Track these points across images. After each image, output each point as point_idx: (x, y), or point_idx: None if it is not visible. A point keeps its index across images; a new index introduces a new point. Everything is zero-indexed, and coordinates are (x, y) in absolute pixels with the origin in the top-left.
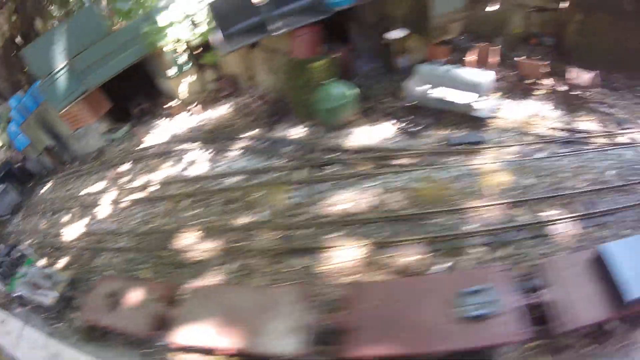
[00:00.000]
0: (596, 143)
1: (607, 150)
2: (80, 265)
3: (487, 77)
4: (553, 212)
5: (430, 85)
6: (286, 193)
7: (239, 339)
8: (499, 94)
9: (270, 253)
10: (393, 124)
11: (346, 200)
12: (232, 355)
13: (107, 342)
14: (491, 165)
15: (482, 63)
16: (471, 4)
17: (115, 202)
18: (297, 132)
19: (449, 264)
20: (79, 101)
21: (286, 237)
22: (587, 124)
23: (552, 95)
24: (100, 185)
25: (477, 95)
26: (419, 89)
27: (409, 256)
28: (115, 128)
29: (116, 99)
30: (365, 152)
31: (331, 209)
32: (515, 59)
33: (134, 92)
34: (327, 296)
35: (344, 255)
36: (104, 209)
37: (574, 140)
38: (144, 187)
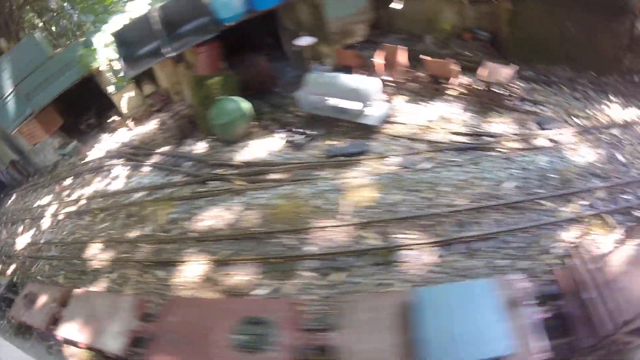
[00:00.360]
0: (503, 149)
1: (514, 157)
2: (22, 271)
3: (370, 83)
4: (410, 235)
5: (320, 94)
6: (171, 208)
7: (90, 335)
8: (404, 97)
9: (143, 264)
10: (282, 137)
11: (213, 217)
12: (88, 349)
13: (28, 336)
14: (361, 179)
15: (389, 65)
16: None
17: (55, 214)
18: (200, 147)
19: (273, 288)
20: (31, 120)
21: (158, 251)
22: (499, 126)
23: (468, 96)
24: (47, 199)
25: (362, 103)
26: (309, 98)
27: (242, 275)
28: (66, 143)
29: (69, 115)
30: (246, 167)
31: (198, 225)
32: (421, 57)
33: (86, 108)
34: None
35: (191, 270)
36: (46, 221)
37: (475, 146)
38: (76, 201)
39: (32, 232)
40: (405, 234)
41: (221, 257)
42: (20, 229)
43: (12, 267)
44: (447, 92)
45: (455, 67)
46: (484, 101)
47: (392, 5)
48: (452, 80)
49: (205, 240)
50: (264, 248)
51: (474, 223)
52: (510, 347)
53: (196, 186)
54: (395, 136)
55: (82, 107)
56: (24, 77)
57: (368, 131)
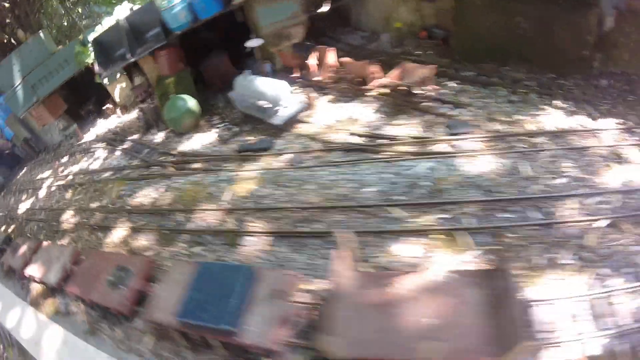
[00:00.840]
0: (392, 152)
1: (396, 161)
2: (18, 230)
3: (278, 87)
4: (257, 224)
5: (245, 95)
6: (123, 186)
7: (42, 273)
8: (328, 97)
9: (92, 228)
10: (217, 131)
11: (144, 195)
12: (40, 283)
13: (12, 276)
14: (251, 173)
15: (320, 66)
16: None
17: (49, 186)
18: (158, 137)
19: (157, 252)
20: (38, 105)
21: (104, 218)
22: (402, 128)
23: (387, 97)
24: (47, 173)
25: (273, 104)
26: (239, 98)
27: (143, 241)
28: (69, 126)
29: (72, 101)
30: (180, 156)
31: (134, 200)
32: (341, 60)
33: (87, 96)
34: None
35: (117, 234)
36: (42, 192)
37: (364, 148)
38: (65, 177)
39: (31, 199)
40: (255, 223)
41: (136, 226)
42: (24, 196)
43: (12, 226)
44: (367, 93)
45: (374, 68)
46: (399, 103)
47: (321, 9)
48: (370, 81)
49: (133, 212)
50: (163, 222)
51: (315, 221)
52: (237, 324)
53: (143, 170)
54: (300, 135)
55: (84, 95)
56: (30, 70)
57: (279, 130)
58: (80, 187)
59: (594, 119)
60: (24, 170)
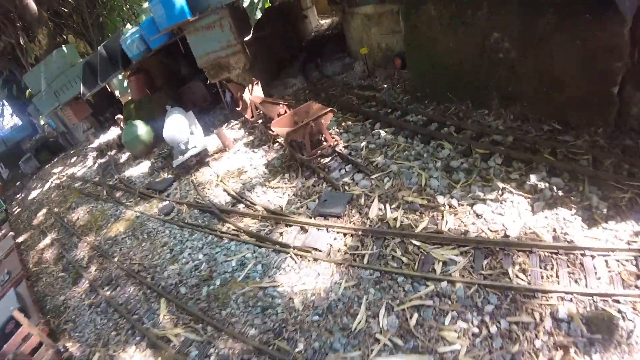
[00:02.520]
0: (232, 226)
1: (226, 241)
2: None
3: (181, 126)
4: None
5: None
6: (76, 198)
7: None
8: (246, 139)
9: (42, 231)
10: (154, 161)
11: (78, 212)
12: None
13: None
14: (131, 212)
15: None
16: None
17: (51, 182)
18: (124, 157)
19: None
20: (64, 107)
21: (51, 226)
22: (274, 193)
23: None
24: (59, 169)
25: (172, 144)
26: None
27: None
28: (89, 129)
29: (94, 107)
30: (117, 182)
31: (72, 215)
32: (263, 99)
33: (107, 104)
34: None
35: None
36: (46, 185)
37: (217, 212)
38: (62, 176)
39: (38, 190)
40: (91, 267)
41: (58, 236)
42: (39, 185)
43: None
44: (277, 139)
45: (282, 110)
46: (291, 156)
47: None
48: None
49: (64, 225)
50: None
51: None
52: None
53: (94, 187)
54: (192, 182)
55: (104, 103)
56: (54, 78)
57: (187, 170)
58: (61, 190)
59: (594, 222)
60: (55, 159)
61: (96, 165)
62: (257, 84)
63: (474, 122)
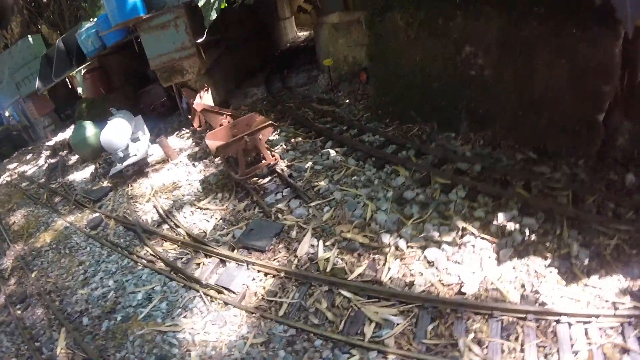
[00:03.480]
0: (150, 251)
1: (140, 267)
2: None
3: (120, 132)
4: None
5: None
6: (19, 199)
7: None
8: (191, 151)
9: None
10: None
11: (17, 215)
12: None
13: None
14: (60, 222)
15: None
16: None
17: (3, 179)
18: (73, 159)
19: None
20: (27, 101)
21: None
22: (202, 215)
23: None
24: (14, 164)
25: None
26: None
27: None
28: (49, 125)
29: (55, 102)
30: (59, 186)
31: (10, 217)
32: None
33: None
34: None
35: None
36: None
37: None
38: (13, 173)
39: None
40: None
41: None
42: None
43: None
44: None
45: (225, 120)
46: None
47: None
48: None
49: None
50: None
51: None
52: None
53: (37, 190)
54: (127, 193)
55: (68, 100)
56: (16, 69)
57: (124, 179)
58: (9, 188)
59: (574, 276)
60: (15, 154)
61: (46, 165)
62: (206, 90)
63: (438, 146)
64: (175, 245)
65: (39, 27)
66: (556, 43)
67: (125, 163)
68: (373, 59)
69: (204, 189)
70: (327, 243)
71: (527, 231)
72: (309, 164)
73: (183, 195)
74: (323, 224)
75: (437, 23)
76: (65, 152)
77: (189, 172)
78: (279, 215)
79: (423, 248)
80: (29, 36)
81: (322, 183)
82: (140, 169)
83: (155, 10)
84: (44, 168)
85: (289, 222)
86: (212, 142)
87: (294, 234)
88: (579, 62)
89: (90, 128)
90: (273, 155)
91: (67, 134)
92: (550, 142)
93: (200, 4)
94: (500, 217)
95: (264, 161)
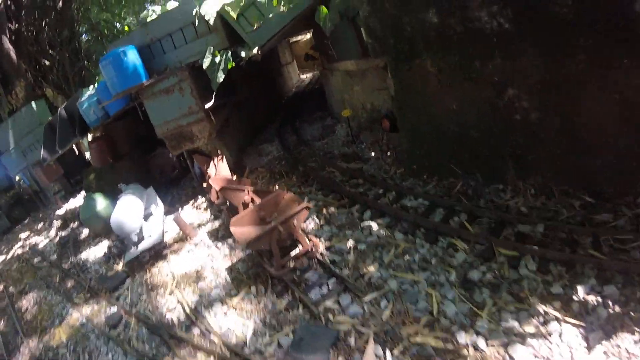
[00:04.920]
0: None
1: None
2: None
3: (132, 211)
4: None
5: None
6: (32, 280)
7: None
8: (212, 226)
9: None
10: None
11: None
12: None
13: None
14: (76, 316)
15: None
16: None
17: (15, 250)
18: (86, 231)
19: None
20: (35, 167)
21: None
22: (234, 317)
23: None
24: (26, 234)
25: (121, 234)
26: None
27: None
28: (59, 191)
29: (65, 169)
30: (70, 266)
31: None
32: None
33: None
34: None
35: None
36: (11, 252)
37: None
38: (25, 245)
39: (2, 257)
40: None
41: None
42: (4, 250)
43: None
44: None
45: (248, 197)
46: (257, 263)
47: (209, 104)
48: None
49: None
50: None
51: None
52: None
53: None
54: (146, 282)
55: (78, 164)
56: (22, 136)
57: (141, 265)
58: (21, 263)
59: None
60: (27, 220)
61: (57, 238)
62: (221, 159)
63: (488, 203)
64: (211, 358)
65: (44, 90)
66: (605, 76)
67: (141, 247)
68: (402, 109)
69: (233, 279)
70: (395, 352)
71: (610, 303)
72: (351, 242)
73: (210, 289)
74: (385, 325)
75: (474, 66)
76: (76, 223)
77: (213, 255)
78: (330, 316)
79: (505, 345)
80: (33, 102)
81: (372, 268)
82: (159, 251)
83: (157, 75)
84: (56, 242)
85: (343, 325)
86: (240, 231)
87: (352, 341)
88: (630, 96)
89: (100, 201)
90: (310, 240)
91: (77, 200)
92: (604, 184)
93: (205, 65)
94: (580, 291)
95: (300, 248)
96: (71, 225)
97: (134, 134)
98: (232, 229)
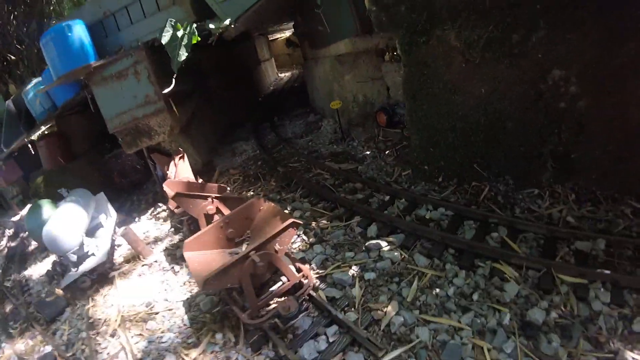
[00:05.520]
0: None
1: None
2: None
3: (67, 224)
4: None
5: None
6: None
7: None
8: (168, 242)
9: None
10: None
11: None
12: None
13: None
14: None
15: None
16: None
17: None
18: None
19: None
20: None
21: None
22: None
23: None
24: None
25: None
26: None
27: None
28: (18, 196)
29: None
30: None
31: None
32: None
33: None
34: None
35: None
36: None
37: None
38: None
39: None
40: None
41: None
42: None
43: None
44: None
45: (212, 207)
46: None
47: (167, 89)
48: None
49: None
50: None
51: None
52: None
53: None
54: (87, 314)
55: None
56: None
57: (83, 291)
58: None
59: None
60: None
61: (7, 249)
62: (182, 157)
63: (525, 212)
64: None
65: (8, 86)
66: None
67: (81, 269)
68: (414, 96)
69: (192, 320)
70: None
71: None
72: (354, 270)
73: (162, 332)
74: None
75: (512, 39)
76: (27, 232)
77: (168, 282)
78: None
79: None
80: None
81: (389, 309)
82: (104, 273)
83: (109, 56)
84: (4, 254)
85: None
86: (196, 261)
87: None
88: None
89: (47, 209)
90: (298, 269)
91: None
92: None
93: (164, 40)
94: None
95: (284, 280)
96: (22, 234)
97: (91, 131)
98: (185, 255)
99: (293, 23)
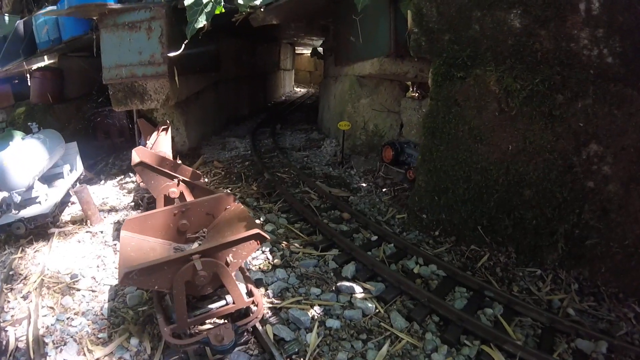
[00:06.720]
0: None
1: None
2: None
3: (21, 165)
4: None
5: None
6: None
7: None
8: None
9: None
10: None
11: None
12: None
13: None
14: None
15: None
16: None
17: None
18: None
19: None
20: None
21: None
22: None
23: None
24: None
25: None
26: None
27: None
28: (2, 123)
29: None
30: None
31: None
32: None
33: None
34: None
35: None
36: None
37: None
38: None
39: None
40: None
41: None
42: None
43: None
44: None
45: (174, 191)
46: None
47: (175, 53)
48: None
49: None
50: None
51: None
52: None
53: None
54: (10, 265)
55: None
56: None
57: (17, 238)
58: None
59: None
60: None
61: None
62: (165, 130)
63: (524, 293)
64: None
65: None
66: None
67: (22, 213)
68: (434, 134)
69: (112, 312)
70: None
71: None
72: (316, 311)
73: (76, 314)
74: None
75: (555, 100)
76: None
77: (104, 261)
78: None
79: None
80: (6, 15)
81: None
82: (44, 226)
83: (129, 3)
84: None
85: None
86: (129, 244)
87: None
88: None
89: (17, 141)
90: (250, 293)
91: None
92: None
93: (187, 2)
94: None
95: (228, 301)
96: None
97: (89, 79)
98: (121, 234)
99: (323, 39)
